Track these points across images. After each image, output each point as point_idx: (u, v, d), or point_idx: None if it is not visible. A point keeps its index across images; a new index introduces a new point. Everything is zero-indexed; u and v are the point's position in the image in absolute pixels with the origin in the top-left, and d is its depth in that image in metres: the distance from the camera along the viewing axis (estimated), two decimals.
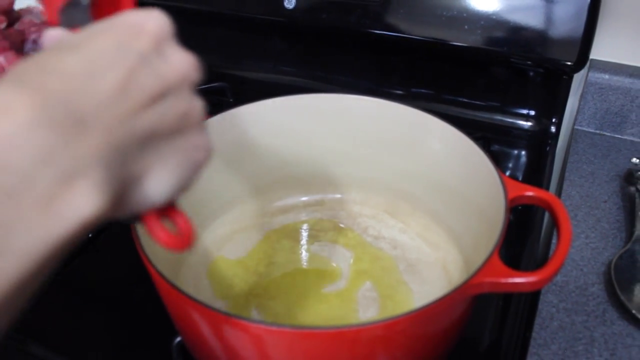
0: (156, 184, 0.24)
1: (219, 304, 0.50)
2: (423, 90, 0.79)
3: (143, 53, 0.22)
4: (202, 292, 0.51)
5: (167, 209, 0.28)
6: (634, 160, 0.63)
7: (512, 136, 0.75)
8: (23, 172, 0.17)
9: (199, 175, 0.27)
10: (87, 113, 0.19)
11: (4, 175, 0.17)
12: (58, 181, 0.18)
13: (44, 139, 0.18)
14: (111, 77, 0.20)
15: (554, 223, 0.41)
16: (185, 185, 0.26)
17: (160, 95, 0.22)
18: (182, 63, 0.24)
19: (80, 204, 0.19)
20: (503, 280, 0.36)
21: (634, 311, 0.47)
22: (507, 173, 0.70)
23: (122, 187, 0.21)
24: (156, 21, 0.23)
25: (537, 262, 0.58)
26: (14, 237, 0.18)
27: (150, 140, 0.22)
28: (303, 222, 0.59)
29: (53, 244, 0.19)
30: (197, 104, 0.25)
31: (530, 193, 0.43)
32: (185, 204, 0.51)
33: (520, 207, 0.61)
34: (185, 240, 0.27)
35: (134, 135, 0.21)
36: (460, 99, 0.78)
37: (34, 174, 0.18)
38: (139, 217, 0.26)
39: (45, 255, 0.18)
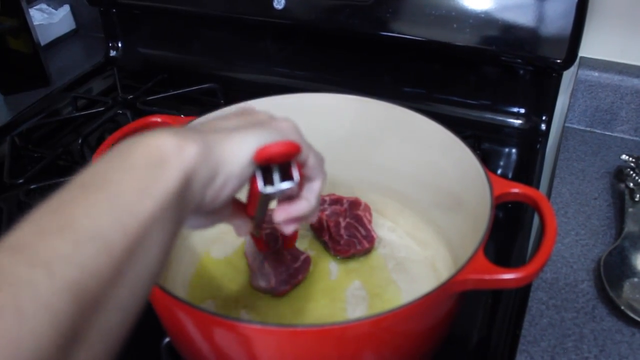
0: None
1: (207, 304, 0.50)
2: (413, 89, 0.79)
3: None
4: (190, 292, 0.51)
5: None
6: (624, 157, 0.63)
7: (503, 134, 0.75)
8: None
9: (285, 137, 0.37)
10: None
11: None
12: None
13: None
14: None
15: (540, 219, 0.41)
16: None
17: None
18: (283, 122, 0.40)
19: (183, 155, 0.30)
20: (488, 276, 0.36)
21: (623, 307, 0.47)
22: (498, 171, 0.70)
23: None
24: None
25: (527, 259, 0.58)
26: (152, 185, 0.28)
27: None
28: None
29: (174, 186, 0.28)
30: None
31: (516, 190, 0.43)
32: None
33: (510, 205, 0.61)
34: None
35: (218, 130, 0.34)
36: (451, 98, 0.78)
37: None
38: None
39: (168, 199, 0.28)
